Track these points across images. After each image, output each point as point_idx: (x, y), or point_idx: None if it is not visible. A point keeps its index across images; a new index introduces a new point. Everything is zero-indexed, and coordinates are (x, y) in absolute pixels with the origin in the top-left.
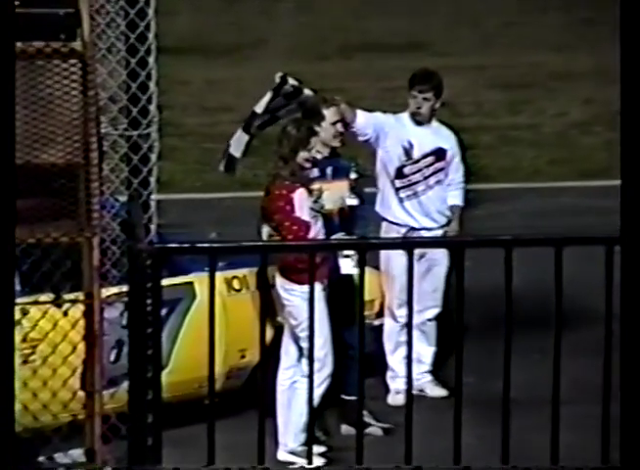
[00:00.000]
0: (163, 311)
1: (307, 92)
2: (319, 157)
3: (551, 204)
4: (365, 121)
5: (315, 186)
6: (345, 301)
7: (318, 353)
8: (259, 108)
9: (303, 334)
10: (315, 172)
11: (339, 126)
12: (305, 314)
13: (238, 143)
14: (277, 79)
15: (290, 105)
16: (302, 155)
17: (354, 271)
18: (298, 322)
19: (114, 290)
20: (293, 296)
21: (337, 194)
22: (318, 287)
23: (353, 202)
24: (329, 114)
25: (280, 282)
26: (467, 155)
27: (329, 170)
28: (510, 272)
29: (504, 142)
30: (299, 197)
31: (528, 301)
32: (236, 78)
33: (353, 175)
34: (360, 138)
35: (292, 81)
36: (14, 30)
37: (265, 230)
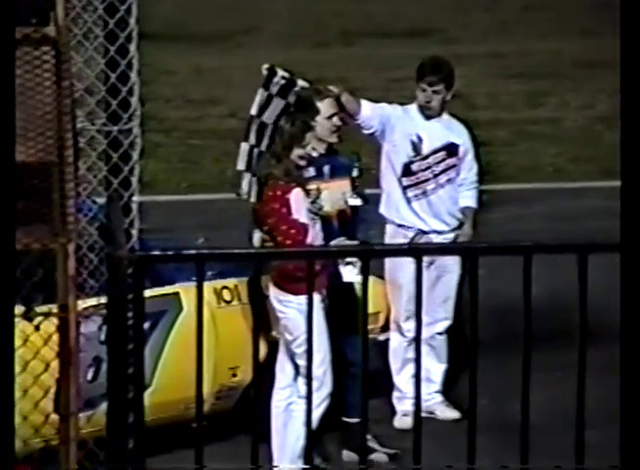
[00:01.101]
0: (146, 325)
1: (301, 83)
2: (315, 154)
3: (575, 206)
4: (370, 113)
5: (312, 186)
6: (347, 313)
7: (316, 371)
8: (254, 110)
9: (300, 350)
10: (311, 171)
11: (335, 120)
12: (302, 328)
13: (241, 155)
14: (264, 72)
15: (290, 108)
16: (297, 152)
17: (357, 279)
18: (295, 337)
19: (92, 302)
20: (288, 308)
21: (336, 194)
22: (316, 298)
23: (356, 202)
24: (324, 107)
25: (274, 293)
26: (481, 151)
27: (326, 169)
28: (529, 281)
29: (522, 138)
30: (296, 197)
31: (550, 313)
32: (226, 68)
33: (355, 173)
34: (365, 131)
35: (281, 72)
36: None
37: (257, 235)
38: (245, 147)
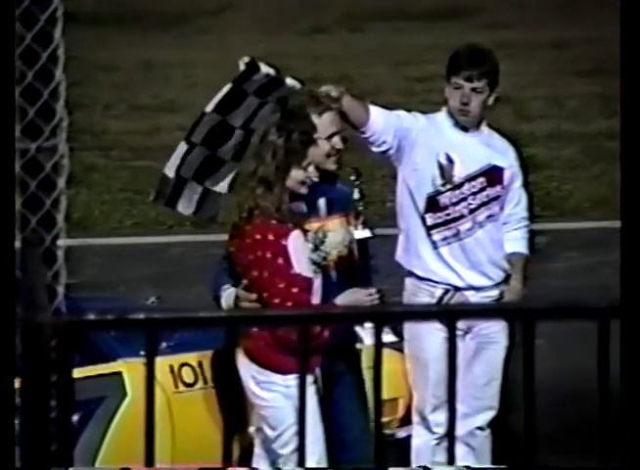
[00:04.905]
0: (76, 418)
1: (290, 82)
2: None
3: None
4: (382, 123)
5: (313, 225)
6: (354, 394)
7: None
8: (210, 105)
9: (286, 450)
10: (302, 206)
11: (336, 141)
12: (290, 420)
13: (174, 157)
14: (242, 66)
15: (272, 114)
16: (295, 175)
17: (387, 339)
18: (279, 432)
19: None
20: (271, 392)
21: (338, 236)
22: (308, 379)
23: (365, 233)
24: (322, 122)
25: (249, 371)
26: (539, 177)
27: (321, 203)
28: (606, 355)
29: (595, 158)
30: (295, 244)
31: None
32: (187, 62)
33: (357, 194)
34: (374, 148)
35: (265, 68)
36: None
37: (229, 292)
38: (182, 148)
